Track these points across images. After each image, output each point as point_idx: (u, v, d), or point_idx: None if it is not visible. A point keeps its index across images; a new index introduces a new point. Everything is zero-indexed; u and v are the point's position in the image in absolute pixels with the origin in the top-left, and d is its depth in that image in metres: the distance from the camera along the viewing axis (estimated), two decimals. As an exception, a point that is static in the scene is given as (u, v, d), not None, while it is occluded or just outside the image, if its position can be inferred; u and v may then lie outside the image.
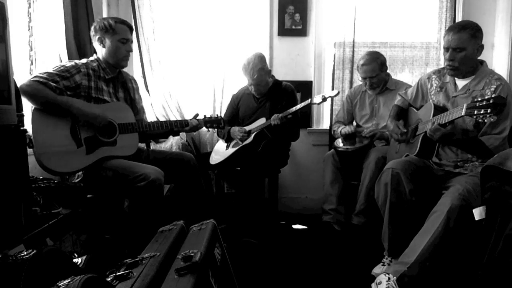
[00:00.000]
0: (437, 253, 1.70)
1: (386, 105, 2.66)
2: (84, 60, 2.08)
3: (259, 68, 2.65)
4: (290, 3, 3.19)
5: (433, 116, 1.95)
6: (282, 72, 3.19)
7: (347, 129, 2.69)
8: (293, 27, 3.23)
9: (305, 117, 3.22)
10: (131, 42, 2.15)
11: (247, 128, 2.77)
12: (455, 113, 1.77)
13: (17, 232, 1.46)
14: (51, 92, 1.86)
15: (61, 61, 2.50)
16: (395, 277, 1.69)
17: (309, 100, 2.53)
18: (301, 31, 3.24)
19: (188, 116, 2.43)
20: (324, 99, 2.50)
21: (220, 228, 1.45)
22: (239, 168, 2.71)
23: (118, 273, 1.00)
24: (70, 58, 2.49)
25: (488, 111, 1.58)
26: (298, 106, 2.55)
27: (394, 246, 1.99)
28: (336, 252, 2.39)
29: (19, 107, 1.72)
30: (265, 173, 2.80)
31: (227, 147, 2.82)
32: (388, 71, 2.76)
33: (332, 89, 3.23)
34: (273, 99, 2.76)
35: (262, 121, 2.70)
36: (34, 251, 1.15)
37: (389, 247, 2.01)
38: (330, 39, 3.27)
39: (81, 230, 1.95)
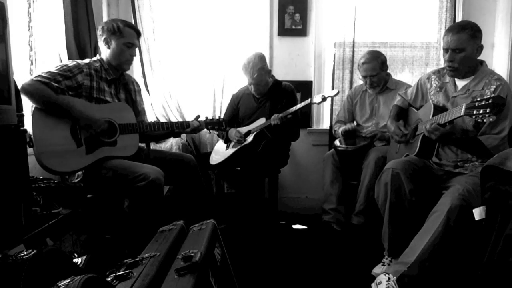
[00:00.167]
0: (437, 253, 1.70)
1: (386, 105, 2.66)
2: (86, 60, 2.08)
3: (259, 68, 2.65)
4: (290, 3, 3.19)
5: (433, 116, 1.95)
6: (282, 72, 3.19)
7: (347, 126, 2.69)
8: (293, 27, 3.23)
9: (305, 117, 3.22)
10: (137, 47, 2.17)
11: (247, 128, 2.77)
12: (454, 113, 1.78)
13: (17, 232, 1.46)
14: (52, 92, 1.86)
15: (61, 61, 2.50)
16: (395, 277, 1.69)
17: (309, 100, 2.53)
18: (301, 31, 3.24)
19: (188, 116, 2.44)
20: (324, 99, 2.50)
21: (220, 228, 1.45)
22: (239, 168, 2.71)
23: (118, 273, 1.00)
24: (70, 58, 2.49)
25: (487, 111, 1.58)
26: (298, 106, 2.55)
27: (394, 246, 1.99)
28: (336, 252, 2.39)
29: (19, 107, 1.72)
30: (265, 173, 2.80)
31: (227, 147, 2.82)
32: (388, 71, 2.76)
33: (332, 89, 3.22)
34: (273, 99, 2.76)
35: (262, 121, 2.70)
36: (34, 251, 1.15)
37: (389, 247, 2.01)
38: (330, 39, 3.27)
39: (81, 230, 1.95)
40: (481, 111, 1.61)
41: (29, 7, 2.38)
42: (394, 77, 2.84)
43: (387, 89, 2.73)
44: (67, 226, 1.82)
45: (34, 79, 1.84)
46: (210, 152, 2.97)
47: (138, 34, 2.16)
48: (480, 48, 1.92)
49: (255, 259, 2.26)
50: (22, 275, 1.05)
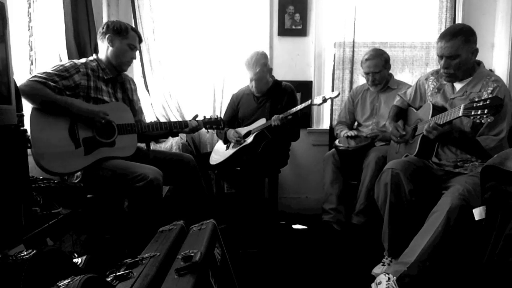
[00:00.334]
0: (437, 253, 1.70)
1: (387, 104, 2.67)
2: (83, 60, 2.08)
3: (262, 63, 2.66)
4: (290, 3, 3.19)
5: (432, 116, 1.95)
6: (282, 72, 3.19)
7: (349, 133, 2.70)
8: (293, 27, 3.23)
9: (305, 117, 3.23)
10: (137, 50, 2.21)
11: (247, 128, 2.77)
12: (452, 113, 1.78)
13: (17, 232, 1.46)
14: (50, 91, 1.85)
15: (61, 61, 2.50)
16: (395, 277, 1.69)
17: (310, 101, 2.54)
18: (301, 31, 3.24)
19: (188, 116, 2.43)
20: (325, 100, 2.50)
21: (220, 228, 1.45)
22: (239, 168, 2.71)
23: (118, 273, 1.00)
24: (70, 58, 2.49)
25: (485, 111, 1.59)
26: (299, 107, 2.55)
27: (394, 246, 1.99)
28: (336, 252, 2.39)
29: (19, 107, 1.71)
30: (265, 173, 2.80)
31: (227, 147, 2.82)
32: (390, 71, 2.76)
33: (332, 89, 3.23)
34: (273, 99, 2.76)
35: (262, 121, 2.70)
36: (34, 251, 1.15)
37: (389, 247, 2.01)
38: (330, 39, 3.27)
39: (81, 230, 1.95)
40: (479, 112, 1.61)
41: (29, 7, 2.38)
42: (394, 77, 2.84)
43: (388, 88, 2.74)
44: (67, 226, 1.82)
45: (31, 79, 1.84)
46: (210, 152, 2.97)
47: (140, 39, 2.20)
48: (475, 51, 1.90)
49: (255, 259, 2.26)
50: (22, 275, 1.05)
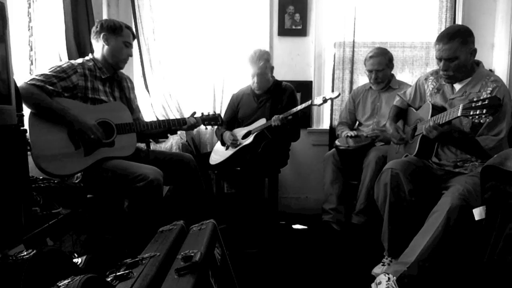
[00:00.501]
0: (437, 253, 1.70)
1: (388, 104, 2.67)
2: (79, 60, 2.08)
3: (265, 58, 2.68)
4: (290, 3, 3.19)
5: (431, 116, 1.95)
6: (282, 72, 3.19)
7: (350, 133, 2.70)
8: (293, 27, 3.23)
9: (305, 117, 3.22)
10: (132, 47, 2.19)
11: (247, 128, 2.77)
12: (452, 113, 1.78)
13: (17, 232, 1.46)
14: (46, 97, 1.85)
15: (61, 61, 2.49)
16: (395, 277, 1.69)
17: (310, 101, 2.54)
18: (301, 31, 3.24)
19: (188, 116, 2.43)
20: (325, 101, 2.50)
21: (220, 228, 1.45)
22: (239, 168, 2.71)
23: (118, 273, 1.00)
24: (70, 58, 2.49)
25: (484, 111, 1.59)
26: (299, 107, 2.55)
27: (394, 246, 1.99)
28: (336, 252, 2.39)
29: (19, 107, 1.71)
30: (265, 173, 2.80)
31: (227, 147, 2.82)
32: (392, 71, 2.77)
33: (332, 89, 3.23)
34: (273, 99, 2.76)
35: (262, 121, 2.70)
36: (34, 251, 1.15)
37: (389, 247, 2.01)
38: (330, 39, 3.27)
39: (81, 230, 1.95)
40: (477, 112, 1.61)
41: (29, 7, 2.38)
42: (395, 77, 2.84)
43: (390, 88, 2.74)
44: (67, 226, 1.82)
45: (29, 82, 1.83)
46: (210, 152, 2.97)
47: (134, 36, 2.20)
48: (473, 52, 1.90)
49: (255, 259, 2.26)
50: (22, 275, 1.05)
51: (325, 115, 3.41)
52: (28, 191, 1.66)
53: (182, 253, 1.09)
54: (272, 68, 2.80)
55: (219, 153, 2.84)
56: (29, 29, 2.39)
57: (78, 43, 2.58)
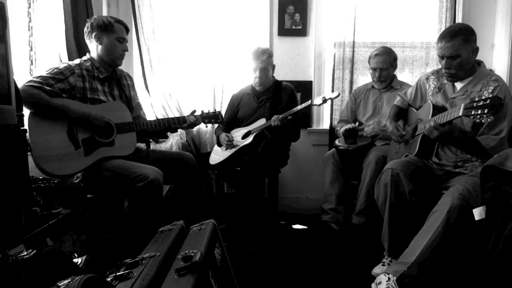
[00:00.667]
0: (437, 253, 1.70)
1: (389, 104, 2.66)
2: (77, 61, 2.07)
3: (269, 54, 2.70)
4: (290, 3, 3.19)
5: (432, 116, 1.95)
6: (282, 72, 3.19)
7: (348, 126, 2.70)
8: (293, 27, 3.23)
9: (305, 117, 3.22)
10: (127, 41, 2.15)
11: (247, 128, 2.77)
12: (453, 113, 1.78)
13: (17, 232, 1.46)
14: (46, 96, 1.85)
15: (61, 61, 2.50)
16: (395, 277, 1.69)
17: (310, 101, 2.54)
18: (301, 31, 3.24)
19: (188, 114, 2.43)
20: (325, 101, 2.50)
21: (220, 228, 1.45)
22: (239, 168, 2.71)
23: (118, 273, 1.00)
24: (70, 58, 2.49)
25: (485, 111, 1.59)
26: (299, 107, 2.55)
27: (394, 246, 1.99)
28: (336, 252, 2.39)
29: (19, 107, 1.71)
30: (265, 173, 2.80)
31: (226, 148, 2.82)
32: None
33: (332, 90, 3.23)
34: (273, 99, 2.76)
35: (262, 121, 2.70)
36: (34, 251, 1.15)
37: (389, 247, 2.02)
38: (330, 39, 3.27)
39: (81, 230, 1.95)
40: (479, 112, 1.61)
41: (29, 7, 2.38)
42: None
43: (391, 88, 2.75)
44: (67, 226, 1.82)
45: (27, 84, 1.83)
46: (210, 152, 2.97)
47: (127, 29, 2.15)
48: (475, 50, 1.91)
49: (255, 259, 2.26)
50: (22, 275, 1.05)
51: (325, 115, 3.41)
52: (28, 191, 1.66)
53: (182, 253, 1.09)
54: (274, 66, 2.80)
55: (219, 153, 2.84)
56: (29, 29, 2.39)
57: (78, 43, 2.58)
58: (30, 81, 1.85)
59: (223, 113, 3.01)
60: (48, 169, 1.82)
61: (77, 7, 2.58)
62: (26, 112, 1.82)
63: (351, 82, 3.21)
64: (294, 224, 2.98)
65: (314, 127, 3.36)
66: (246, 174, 2.70)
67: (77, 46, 2.57)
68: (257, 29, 3.23)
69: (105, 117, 1.99)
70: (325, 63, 3.33)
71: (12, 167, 1.48)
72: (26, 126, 1.76)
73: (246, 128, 2.78)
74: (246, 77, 2.98)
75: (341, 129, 2.78)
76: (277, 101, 2.75)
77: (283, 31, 3.24)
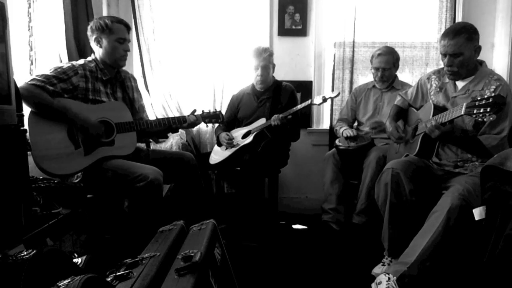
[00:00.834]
0: (437, 253, 1.70)
1: (390, 104, 2.66)
2: (81, 61, 2.07)
3: (270, 52, 2.71)
4: (290, 3, 3.19)
5: (433, 116, 1.95)
6: (282, 72, 3.19)
7: (349, 132, 2.69)
8: (293, 27, 3.23)
9: (305, 117, 3.22)
10: (129, 41, 2.13)
11: (247, 128, 2.77)
12: (454, 112, 1.78)
13: (17, 232, 1.46)
14: (48, 96, 1.85)
15: (61, 61, 2.49)
16: (395, 277, 1.69)
17: (310, 100, 2.54)
18: (301, 31, 3.24)
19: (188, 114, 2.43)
20: (325, 100, 2.50)
21: (220, 228, 1.45)
22: (239, 168, 2.71)
23: (118, 273, 1.00)
24: (70, 58, 2.49)
25: (488, 110, 1.58)
26: (299, 107, 2.55)
27: (394, 246, 1.99)
28: (336, 252, 2.39)
29: (19, 107, 1.71)
30: (265, 173, 2.80)
31: (226, 148, 2.82)
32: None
33: (332, 89, 3.23)
34: (273, 99, 2.76)
35: (262, 121, 2.70)
36: (34, 251, 1.15)
37: (389, 247, 2.01)
38: (330, 39, 3.27)
39: (81, 230, 1.95)
40: (481, 110, 1.61)
41: (29, 7, 2.38)
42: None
43: (392, 88, 2.74)
44: (67, 226, 1.82)
45: (29, 83, 1.83)
46: (210, 152, 2.97)
47: (128, 28, 2.12)
48: (478, 49, 1.91)
49: (255, 259, 2.26)
50: (22, 275, 1.05)
51: (325, 115, 3.41)
52: (28, 191, 1.66)
53: (182, 253, 1.09)
54: (274, 65, 2.81)
55: (218, 153, 2.84)
56: (29, 29, 2.39)
57: (78, 43, 2.58)
58: (33, 79, 1.85)
59: (223, 113, 3.01)
60: (48, 168, 1.82)
61: (77, 7, 2.58)
62: (26, 112, 1.82)
63: (351, 82, 3.21)
64: (294, 224, 2.98)
65: (314, 127, 3.36)
66: (246, 174, 2.70)
67: (77, 46, 2.57)
68: (257, 29, 3.24)
69: (103, 119, 1.98)
70: (325, 63, 3.33)
71: (12, 167, 1.48)
72: (26, 126, 1.76)
73: (246, 128, 2.78)
74: (246, 77, 2.98)
75: (341, 130, 2.78)
76: (277, 101, 2.75)
77: (283, 31, 3.24)
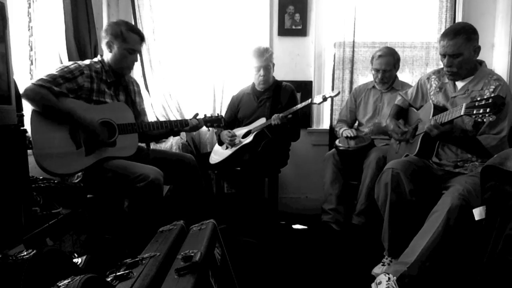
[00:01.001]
0: (437, 253, 1.70)
1: (390, 105, 2.65)
2: (87, 61, 2.07)
3: (270, 52, 2.71)
4: (290, 3, 3.19)
5: (433, 116, 1.95)
6: (282, 72, 3.19)
7: (348, 132, 2.69)
8: (293, 27, 3.23)
9: (305, 117, 3.22)
10: (139, 53, 2.15)
11: (247, 128, 2.77)
12: (454, 112, 1.78)
13: (17, 232, 1.46)
14: (53, 97, 1.85)
15: (61, 61, 2.49)
16: (395, 277, 1.69)
17: (310, 100, 2.54)
18: (301, 31, 3.24)
19: (188, 116, 2.44)
20: (325, 99, 2.50)
21: (220, 228, 1.45)
22: (239, 168, 2.71)
23: (118, 273, 1.00)
24: (70, 58, 2.49)
25: (487, 110, 1.59)
26: (299, 106, 2.55)
27: (394, 246, 1.99)
28: (336, 252, 2.39)
29: (19, 107, 1.72)
30: (265, 173, 2.80)
31: (226, 147, 2.82)
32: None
33: (332, 89, 3.23)
34: (273, 99, 2.76)
35: (262, 121, 2.70)
36: (34, 251, 1.15)
37: (389, 247, 2.01)
38: (330, 39, 3.27)
39: (81, 230, 1.95)
40: (481, 111, 1.61)
41: (29, 7, 2.38)
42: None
43: (392, 89, 2.74)
44: (67, 226, 1.82)
45: (35, 83, 1.83)
46: (210, 152, 2.97)
47: (142, 39, 2.13)
48: (477, 49, 1.91)
49: (255, 259, 2.26)
50: (22, 275, 1.05)
51: (325, 115, 3.41)
52: (28, 191, 1.66)
53: (182, 253, 1.09)
54: (274, 65, 2.81)
55: (219, 153, 2.84)
56: (29, 29, 2.39)
57: (78, 43, 2.58)
58: (40, 79, 1.85)
59: (223, 113, 3.02)
60: (48, 167, 1.82)
61: (77, 7, 2.57)
62: (26, 112, 1.82)
63: (351, 82, 3.21)
64: (294, 224, 2.98)
65: (314, 127, 3.36)
66: (246, 174, 2.70)
67: (77, 46, 2.57)
68: (257, 29, 3.24)
69: (106, 119, 1.99)
70: (325, 63, 3.32)
71: (12, 167, 1.48)
72: (26, 126, 1.76)
73: (246, 128, 2.78)
74: (246, 77, 2.99)
75: (341, 130, 2.79)
76: (277, 100, 2.75)
77: (283, 31, 3.24)
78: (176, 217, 1.52)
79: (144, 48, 3.21)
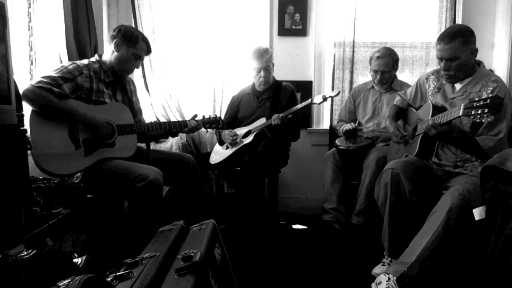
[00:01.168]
0: (437, 253, 1.70)
1: (389, 105, 2.64)
2: (85, 61, 2.07)
3: (271, 54, 2.71)
4: (290, 3, 3.19)
5: (432, 116, 1.95)
6: (282, 72, 3.19)
7: (347, 126, 2.69)
8: (293, 27, 3.23)
9: (305, 117, 3.22)
10: (142, 61, 2.21)
11: (247, 128, 2.77)
12: (452, 113, 1.78)
13: (17, 232, 1.46)
14: (54, 98, 1.85)
15: (61, 61, 2.49)
16: (395, 277, 1.69)
17: (310, 100, 2.54)
18: (301, 31, 3.24)
19: (188, 116, 2.44)
20: (325, 99, 2.50)
21: (220, 228, 1.45)
22: (239, 168, 2.71)
23: (118, 273, 1.00)
24: (70, 58, 2.49)
25: (486, 111, 1.59)
26: (299, 106, 2.55)
27: (394, 246, 1.99)
28: (336, 252, 2.39)
29: (19, 107, 1.72)
30: (265, 173, 2.80)
31: (226, 147, 2.82)
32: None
33: (332, 89, 3.23)
34: (273, 99, 2.76)
35: (262, 121, 2.70)
36: (34, 251, 1.15)
37: (389, 247, 2.01)
38: (330, 39, 3.27)
39: (81, 230, 1.95)
40: (479, 111, 1.61)
41: (29, 7, 2.38)
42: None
43: (391, 89, 2.73)
44: (67, 226, 1.82)
45: (36, 85, 1.82)
46: (210, 152, 2.97)
47: (149, 51, 2.17)
48: (475, 52, 1.90)
49: (255, 259, 2.26)
50: (22, 275, 1.05)
51: (325, 115, 3.41)
52: (28, 191, 1.66)
53: (182, 253, 1.09)
54: (273, 64, 2.81)
55: (219, 153, 2.84)
56: (29, 29, 2.39)
57: (78, 43, 2.58)
58: (40, 81, 1.84)
59: (222, 114, 3.02)
60: (47, 168, 1.82)
61: (77, 7, 2.57)
62: (26, 112, 1.82)
63: (351, 82, 3.21)
64: (294, 224, 2.98)
65: (314, 127, 3.36)
66: (246, 174, 2.70)
67: (77, 46, 2.57)
68: (257, 29, 3.24)
69: (105, 120, 1.99)
70: (325, 63, 3.33)
71: (12, 167, 1.48)
72: (26, 126, 1.76)
73: (247, 128, 2.78)
74: (246, 77, 2.99)
75: (341, 128, 2.78)
76: (277, 100, 2.75)
77: (283, 31, 3.24)
78: (176, 217, 1.52)
79: (144, 48, 3.21)
